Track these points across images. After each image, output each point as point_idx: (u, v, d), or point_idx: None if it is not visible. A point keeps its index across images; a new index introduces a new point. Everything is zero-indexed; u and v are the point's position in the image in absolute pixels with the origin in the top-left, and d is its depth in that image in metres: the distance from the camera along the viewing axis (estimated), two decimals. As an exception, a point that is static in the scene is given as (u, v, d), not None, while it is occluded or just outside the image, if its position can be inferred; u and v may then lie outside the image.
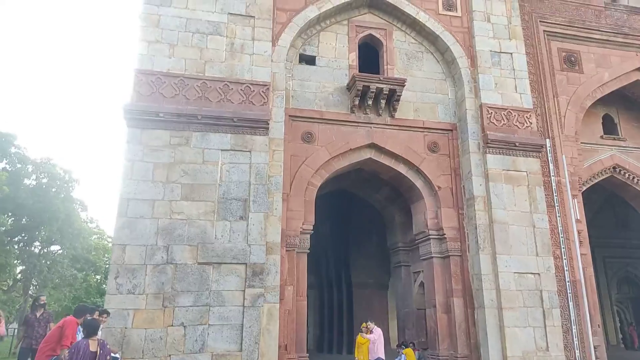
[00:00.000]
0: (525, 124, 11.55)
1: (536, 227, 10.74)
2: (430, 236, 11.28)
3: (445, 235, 11.03)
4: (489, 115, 11.35)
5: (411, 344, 11.63)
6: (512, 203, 10.82)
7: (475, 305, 10.42)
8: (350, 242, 20.76)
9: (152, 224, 9.04)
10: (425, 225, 11.39)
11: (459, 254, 10.97)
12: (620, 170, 13.66)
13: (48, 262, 25.24)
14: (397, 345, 12.45)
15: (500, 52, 12.03)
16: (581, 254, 11.49)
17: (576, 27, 13.29)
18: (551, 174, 11.98)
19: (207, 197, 9.41)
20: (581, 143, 12.85)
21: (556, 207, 11.73)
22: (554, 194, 11.83)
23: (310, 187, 10.85)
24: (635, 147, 13.83)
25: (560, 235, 11.56)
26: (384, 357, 9.21)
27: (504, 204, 10.74)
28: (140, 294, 8.61)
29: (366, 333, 9.44)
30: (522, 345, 9.79)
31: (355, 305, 20.15)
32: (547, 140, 11.92)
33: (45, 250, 26.06)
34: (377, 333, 9.26)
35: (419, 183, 11.53)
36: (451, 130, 11.74)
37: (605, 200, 18.13)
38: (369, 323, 9.46)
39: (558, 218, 11.68)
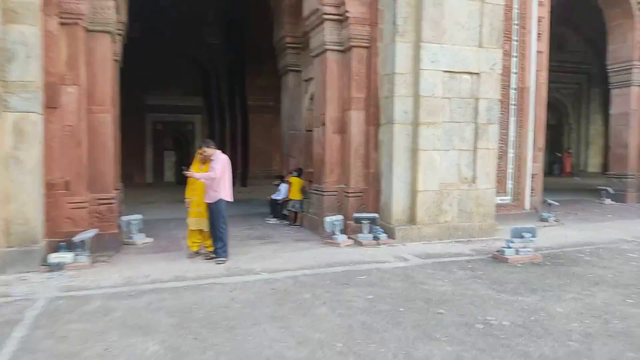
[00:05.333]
0: None
1: (486, 2, 6.88)
2: (326, 16, 7.14)
3: (348, 14, 6.93)
4: None
5: (297, 171, 8.50)
6: (456, -41, 6.69)
7: (382, 121, 6.98)
8: (247, 54, 16.19)
9: None
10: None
11: (367, 44, 7.07)
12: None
13: None
14: (274, 177, 9.22)
15: None
16: (537, 52, 8.10)
17: None
18: None
19: None
20: None
21: (515, -21, 7.86)
22: (516, -42, 7.83)
23: None
24: None
25: (514, 22, 7.93)
26: (229, 198, 5.75)
27: (442, -41, 6.58)
28: None
29: (202, 162, 5.79)
30: (441, 176, 6.74)
31: (252, 133, 16.80)
32: None
33: None
34: (219, 162, 5.63)
35: None
36: None
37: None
38: (205, 147, 5.71)
39: (516, -4, 7.90)
